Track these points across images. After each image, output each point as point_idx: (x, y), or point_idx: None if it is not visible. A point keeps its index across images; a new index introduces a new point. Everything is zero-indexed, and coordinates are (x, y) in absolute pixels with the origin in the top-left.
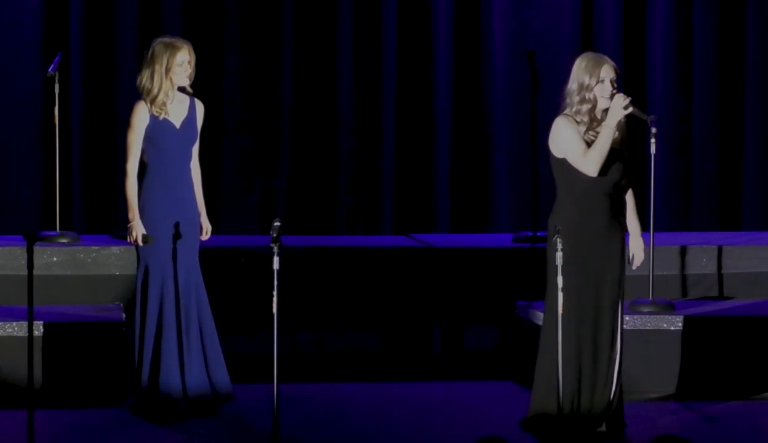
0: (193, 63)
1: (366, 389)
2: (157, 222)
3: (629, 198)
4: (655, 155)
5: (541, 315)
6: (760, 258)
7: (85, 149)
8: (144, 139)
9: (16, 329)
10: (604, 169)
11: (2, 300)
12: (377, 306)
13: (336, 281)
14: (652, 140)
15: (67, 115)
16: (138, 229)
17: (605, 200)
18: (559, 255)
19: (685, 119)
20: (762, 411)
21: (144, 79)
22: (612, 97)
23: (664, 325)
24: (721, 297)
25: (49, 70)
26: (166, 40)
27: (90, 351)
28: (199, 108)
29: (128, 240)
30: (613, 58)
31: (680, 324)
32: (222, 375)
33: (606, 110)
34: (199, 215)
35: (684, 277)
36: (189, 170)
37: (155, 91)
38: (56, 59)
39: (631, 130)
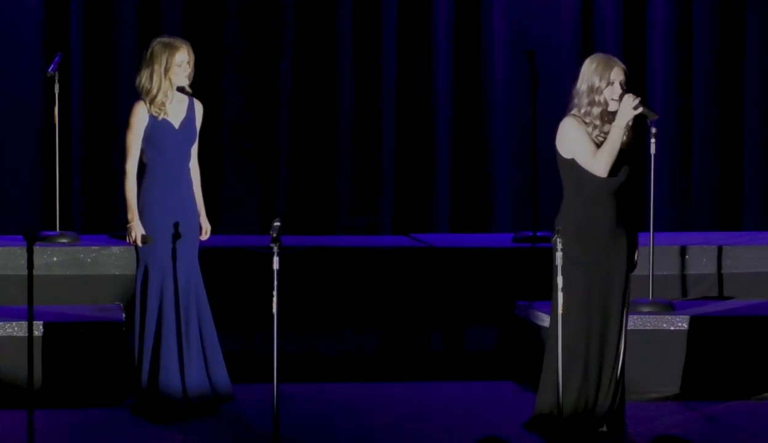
0: (192, 63)
1: (366, 389)
2: (156, 222)
3: None
4: (655, 155)
5: (541, 315)
6: (760, 258)
7: (85, 149)
8: (143, 139)
9: (16, 329)
10: (612, 170)
11: (2, 300)
12: (377, 306)
13: (336, 281)
14: (652, 140)
15: (67, 115)
16: (137, 230)
17: (612, 200)
18: (559, 255)
19: (685, 119)
20: (762, 412)
21: (143, 79)
22: (621, 97)
23: (664, 325)
24: (721, 297)
25: (49, 70)
26: (165, 40)
27: (90, 351)
28: (198, 108)
29: (127, 240)
30: None
31: (680, 324)
32: (222, 375)
33: (615, 112)
34: (198, 215)
35: (684, 277)
36: (188, 170)
37: (154, 91)
38: (56, 59)
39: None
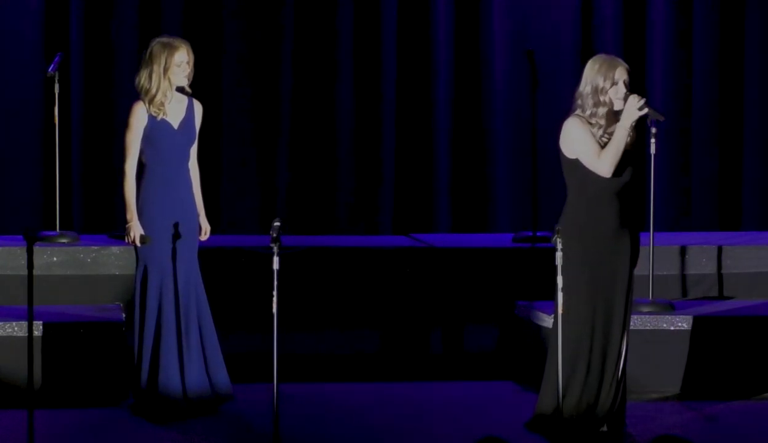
0: (191, 63)
1: (366, 389)
2: (155, 222)
3: None
4: (655, 155)
5: (541, 315)
6: (760, 258)
7: (85, 149)
8: (142, 140)
9: (16, 329)
10: (617, 170)
11: (2, 300)
12: (377, 306)
13: (336, 281)
14: (652, 140)
15: (67, 115)
16: (136, 230)
17: (616, 200)
18: (559, 255)
19: (685, 119)
20: (763, 412)
21: (142, 79)
22: (626, 98)
23: (664, 325)
24: (721, 297)
25: (49, 70)
26: (165, 39)
27: (90, 351)
28: (198, 109)
29: (126, 240)
30: None
31: (680, 324)
32: (222, 375)
33: (620, 112)
34: (197, 215)
35: (684, 277)
36: (187, 170)
37: (153, 91)
38: (56, 59)
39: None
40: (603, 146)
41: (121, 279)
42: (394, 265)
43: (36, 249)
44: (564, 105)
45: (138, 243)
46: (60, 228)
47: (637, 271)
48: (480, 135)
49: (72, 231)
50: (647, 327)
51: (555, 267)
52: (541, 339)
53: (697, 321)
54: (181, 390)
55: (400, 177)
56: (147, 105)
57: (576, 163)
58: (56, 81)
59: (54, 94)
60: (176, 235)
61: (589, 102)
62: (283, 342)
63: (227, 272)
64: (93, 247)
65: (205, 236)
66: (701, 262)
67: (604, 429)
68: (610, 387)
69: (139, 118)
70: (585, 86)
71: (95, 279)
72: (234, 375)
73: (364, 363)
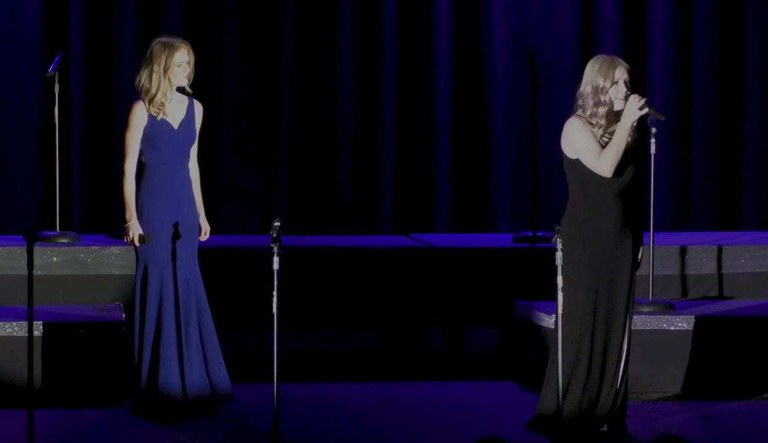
0: (192, 63)
1: (366, 389)
2: (155, 222)
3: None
4: (655, 155)
5: (541, 315)
6: (760, 258)
7: (85, 149)
8: (142, 140)
9: (16, 329)
10: (618, 170)
11: (2, 300)
12: (377, 306)
13: (336, 281)
14: (652, 140)
15: (67, 115)
16: (134, 229)
17: (617, 201)
18: (559, 255)
19: (685, 119)
20: (763, 412)
21: (142, 78)
22: (626, 97)
23: (664, 325)
24: (721, 297)
25: (49, 70)
26: (165, 39)
27: (90, 351)
28: (198, 109)
29: (125, 240)
30: None
31: (680, 324)
32: (222, 375)
33: (620, 112)
34: (197, 216)
35: (684, 277)
36: (187, 171)
37: (153, 90)
38: (56, 59)
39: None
40: (604, 146)
41: (121, 279)
42: (394, 265)
43: (36, 249)
44: (564, 105)
45: (137, 243)
46: (60, 229)
47: (637, 271)
48: (480, 135)
49: (72, 232)
50: (647, 327)
51: (555, 267)
52: (540, 339)
53: (697, 321)
54: (181, 390)
55: (400, 177)
56: (147, 105)
57: (577, 164)
58: (56, 81)
59: (54, 94)
60: (176, 235)
61: (590, 102)
62: (283, 342)
63: (227, 272)
64: (93, 247)
65: (205, 236)
66: (701, 262)
67: (605, 429)
68: (611, 387)
69: (138, 117)
70: (585, 86)
71: (95, 279)
72: (234, 375)
73: (364, 363)
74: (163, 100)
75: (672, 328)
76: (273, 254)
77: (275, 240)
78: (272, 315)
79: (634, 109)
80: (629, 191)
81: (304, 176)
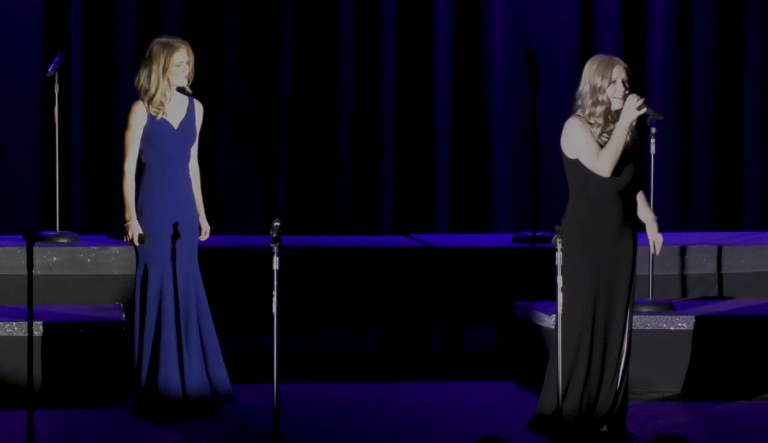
0: (191, 63)
1: (366, 389)
2: (155, 222)
3: (639, 194)
4: (655, 155)
5: (541, 315)
6: (760, 258)
7: (85, 149)
8: (142, 140)
9: (16, 329)
10: (617, 170)
11: (2, 300)
12: (377, 306)
13: (336, 281)
14: (652, 140)
15: (67, 115)
16: (134, 229)
17: (617, 200)
18: (559, 255)
19: (685, 119)
20: (763, 412)
21: (142, 78)
22: (625, 97)
23: (664, 325)
24: (721, 297)
25: (49, 70)
26: (164, 40)
27: (90, 351)
28: (198, 109)
29: (125, 240)
30: None
31: (680, 324)
32: (221, 375)
33: (619, 111)
34: (197, 215)
35: (684, 277)
36: (187, 171)
37: (153, 90)
38: (56, 59)
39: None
40: (603, 146)
41: (121, 279)
42: (394, 265)
43: (36, 249)
44: (564, 105)
45: (136, 243)
46: (60, 229)
47: (637, 271)
48: (480, 135)
49: (72, 232)
50: (647, 327)
51: (555, 268)
52: (540, 339)
53: (697, 321)
54: (180, 390)
55: (400, 177)
56: (146, 105)
57: (577, 163)
58: (56, 81)
59: (54, 94)
60: (176, 235)
61: (588, 101)
62: (283, 342)
63: (227, 272)
64: (93, 247)
65: (205, 236)
66: (701, 262)
67: (605, 429)
68: (611, 387)
69: (138, 117)
70: (584, 86)
71: (95, 279)
72: (234, 375)
73: (364, 363)
74: (162, 100)
75: (672, 328)
76: (273, 254)
77: (275, 240)
78: (272, 315)
79: (632, 108)
80: (629, 191)
81: (304, 176)
